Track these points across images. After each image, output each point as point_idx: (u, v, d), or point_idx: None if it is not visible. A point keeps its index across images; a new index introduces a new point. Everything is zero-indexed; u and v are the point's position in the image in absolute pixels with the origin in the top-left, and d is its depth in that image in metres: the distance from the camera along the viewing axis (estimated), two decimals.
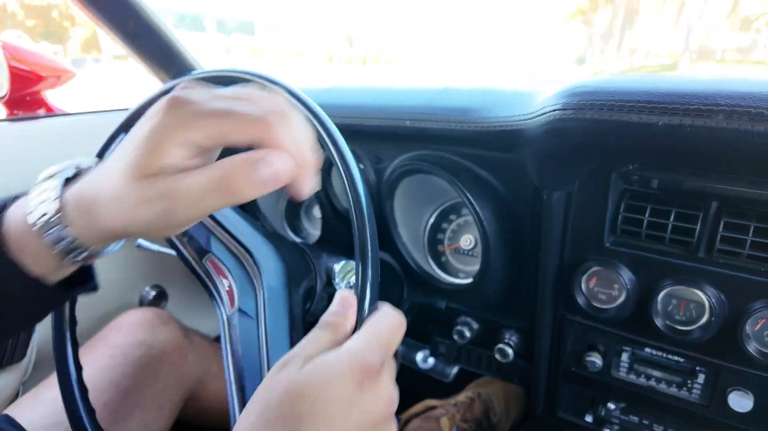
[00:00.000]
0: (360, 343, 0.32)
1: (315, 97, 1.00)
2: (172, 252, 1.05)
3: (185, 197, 0.28)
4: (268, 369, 0.48)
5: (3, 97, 0.78)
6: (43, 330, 0.83)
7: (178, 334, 0.85)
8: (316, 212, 1.00)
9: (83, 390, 0.53)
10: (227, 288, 0.61)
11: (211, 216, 0.56)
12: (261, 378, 0.43)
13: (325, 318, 0.34)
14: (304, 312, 0.57)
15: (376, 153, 0.77)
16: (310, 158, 0.30)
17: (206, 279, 0.56)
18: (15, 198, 0.34)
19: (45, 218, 0.31)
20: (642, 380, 0.71)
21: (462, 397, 1.16)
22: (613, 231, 0.62)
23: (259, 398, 0.29)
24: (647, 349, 0.71)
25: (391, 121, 0.66)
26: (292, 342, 0.50)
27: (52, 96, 0.93)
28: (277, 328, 0.50)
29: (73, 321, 0.51)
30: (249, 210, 1.03)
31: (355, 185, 0.35)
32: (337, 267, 0.64)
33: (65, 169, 0.34)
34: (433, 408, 1.14)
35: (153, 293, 1.05)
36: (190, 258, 0.56)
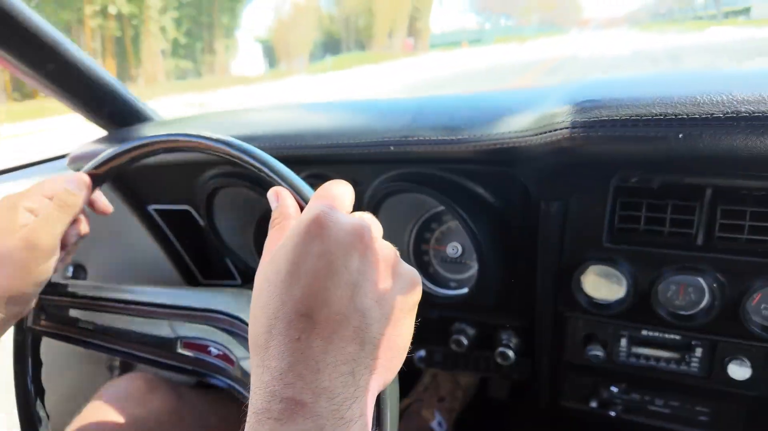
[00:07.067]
0: (300, 215, 0.36)
1: (277, 124, 0.90)
2: None
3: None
4: None
5: None
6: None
7: (170, 397, 0.79)
8: None
9: None
10: (218, 354, 0.56)
11: (161, 305, 0.52)
12: None
13: (271, 220, 0.39)
14: None
15: (352, 176, 0.71)
16: None
17: (195, 365, 0.50)
18: None
19: None
20: (642, 362, 0.73)
21: (426, 379, 1.16)
22: (611, 229, 0.61)
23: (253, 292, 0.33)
24: (644, 331, 0.72)
25: (374, 146, 0.61)
26: None
27: None
28: None
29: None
30: (215, 247, 0.95)
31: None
32: None
33: None
34: (407, 406, 1.13)
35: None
36: (162, 359, 0.51)
